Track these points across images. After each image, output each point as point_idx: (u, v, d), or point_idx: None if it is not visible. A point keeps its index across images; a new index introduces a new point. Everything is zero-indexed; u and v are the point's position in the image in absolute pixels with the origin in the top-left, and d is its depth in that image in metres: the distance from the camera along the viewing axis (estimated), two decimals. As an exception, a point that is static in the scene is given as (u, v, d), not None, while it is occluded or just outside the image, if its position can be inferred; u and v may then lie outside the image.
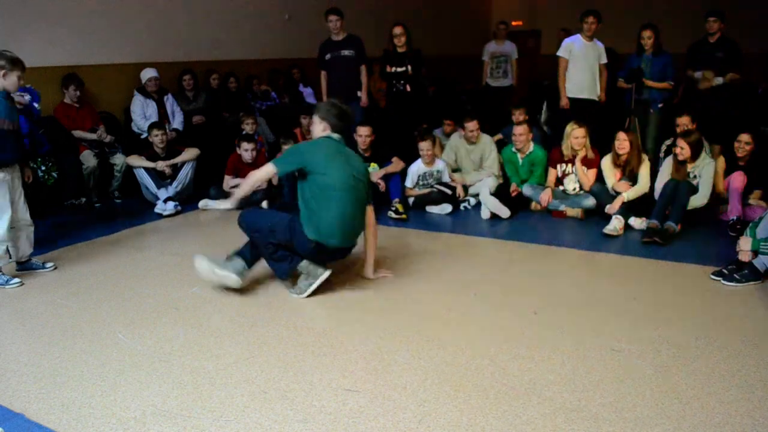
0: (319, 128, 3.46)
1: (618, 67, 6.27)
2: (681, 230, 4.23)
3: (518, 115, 5.93)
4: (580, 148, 4.92)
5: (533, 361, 2.58)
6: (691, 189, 4.35)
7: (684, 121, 4.96)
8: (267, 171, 3.37)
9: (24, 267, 3.81)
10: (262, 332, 2.92)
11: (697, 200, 4.42)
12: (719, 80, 5.56)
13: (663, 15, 9.14)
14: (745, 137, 4.57)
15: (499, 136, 6.24)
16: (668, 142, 5.33)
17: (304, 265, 3.32)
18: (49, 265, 3.87)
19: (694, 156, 4.45)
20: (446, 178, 5.29)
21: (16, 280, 3.62)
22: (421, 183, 5.29)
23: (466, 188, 5.36)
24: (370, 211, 3.51)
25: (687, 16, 8.36)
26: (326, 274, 3.33)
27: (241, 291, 3.45)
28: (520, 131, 5.18)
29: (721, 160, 4.70)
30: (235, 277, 3.30)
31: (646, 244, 4.13)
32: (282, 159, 3.45)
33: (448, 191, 5.19)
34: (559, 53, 5.85)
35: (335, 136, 3.42)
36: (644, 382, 2.39)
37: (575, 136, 4.91)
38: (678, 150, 4.43)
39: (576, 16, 5.90)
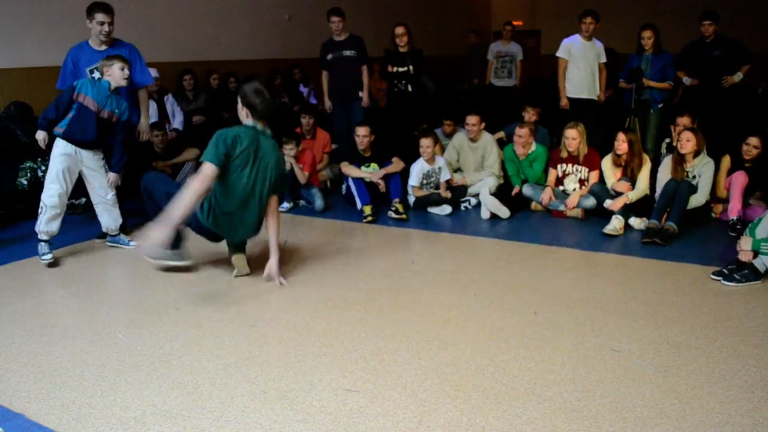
0: (243, 114, 3.46)
1: (618, 67, 6.27)
2: (681, 230, 4.24)
3: (531, 115, 5.82)
4: (573, 149, 4.91)
5: (533, 361, 2.58)
6: (691, 189, 4.35)
7: (684, 121, 4.97)
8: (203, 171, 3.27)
9: (113, 240, 4.25)
10: (262, 332, 2.92)
11: (696, 200, 4.43)
12: (739, 75, 5.60)
13: (663, 15, 9.16)
14: (754, 140, 4.53)
15: (502, 134, 6.17)
16: (669, 140, 5.33)
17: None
18: (133, 243, 4.21)
19: (696, 153, 4.46)
20: (446, 176, 5.29)
21: (50, 256, 3.83)
22: (424, 182, 5.29)
23: (465, 188, 5.36)
24: (273, 200, 3.54)
25: (687, 16, 8.37)
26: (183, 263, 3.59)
27: (241, 291, 3.45)
28: (521, 134, 5.16)
29: (726, 159, 4.69)
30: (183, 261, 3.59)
31: (646, 245, 4.13)
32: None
33: (449, 195, 5.19)
34: (559, 54, 5.86)
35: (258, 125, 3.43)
36: (644, 382, 2.39)
37: (566, 137, 4.92)
38: (684, 142, 4.43)
39: (576, 16, 5.91)
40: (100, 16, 4.16)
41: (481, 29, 9.80)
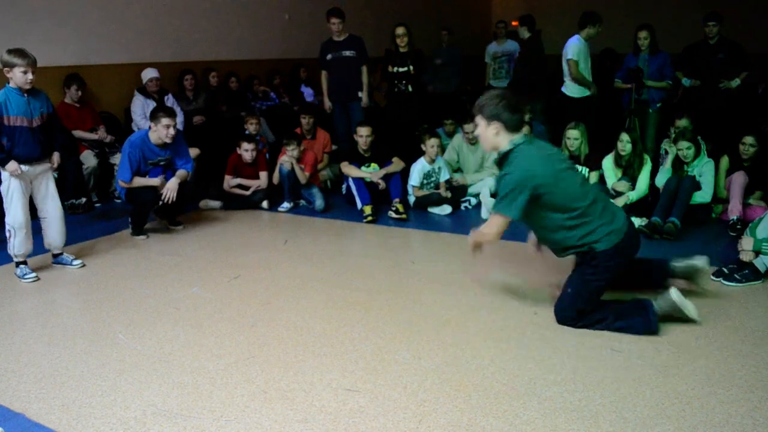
0: (491, 133, 2.77)
1: (617, 68, 6.26)
2: (681, 230, 4.23)
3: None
4: (574, 149, 4.91)
5: (533, 361, 2.58)
6: (694, 184, 4.37)
7: (683, 123, 4.97)
8: (498, 224, 2.83)
9: (56, 260, 3.95)
10: (262, 332, 2.92)
11: (700, 197, 4.45)
12: (737, 82, 5.58)
13: (662, 15, 9.15)
14: (749, 139, 4.55)
15: None
16: (668, 141, 5.32)
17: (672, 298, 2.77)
18: (76, 262, 3.94)
19: (695, 155, 4.48)
20: (445, 176, 5.30)
21: (33, 274, 3.70)
22: (425, 182, 5.29)
23: (465, 188, 5.36)
24: None
25: (686, 16, 8.38)
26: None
27: (240, 291, 3.45)
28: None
29: (725, 159, 4.70)
30: None
31: (651, 239, 4.15)
32: (505, 201, 2.75)
33: (448, 195, 5.19)
34: (571, 56, 5.81)
35: (521, 137, 2.79)
36: (644, 382, 2.39)
37: (567, 137, 4.92)
38: (685, 150, 4.45)
39: (575, 16, 5.90)
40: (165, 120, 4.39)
41: (453, 28, 9.51)
